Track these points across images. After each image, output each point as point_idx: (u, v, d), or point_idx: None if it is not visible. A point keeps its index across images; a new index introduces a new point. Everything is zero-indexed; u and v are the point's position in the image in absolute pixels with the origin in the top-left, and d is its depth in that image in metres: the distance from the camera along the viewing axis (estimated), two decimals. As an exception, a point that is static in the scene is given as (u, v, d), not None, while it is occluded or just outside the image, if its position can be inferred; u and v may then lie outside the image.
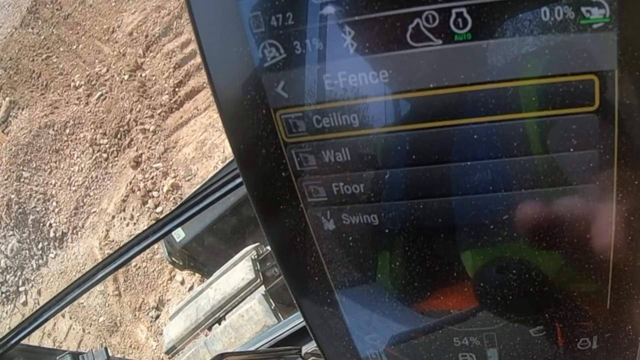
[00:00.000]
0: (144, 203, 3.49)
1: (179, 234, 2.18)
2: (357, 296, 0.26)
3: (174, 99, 3.73)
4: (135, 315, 3.25)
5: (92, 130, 3.94)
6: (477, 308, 0.25)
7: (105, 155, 3.83)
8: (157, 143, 3.66)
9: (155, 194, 3.50)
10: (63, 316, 3.45)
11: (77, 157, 3.95)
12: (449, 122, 0.20)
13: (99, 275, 0.72)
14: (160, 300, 3.19)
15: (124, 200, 3.58)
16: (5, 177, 3.99)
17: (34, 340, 3.13)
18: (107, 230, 3.59)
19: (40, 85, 4.40)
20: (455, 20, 0.18)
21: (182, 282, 3.15)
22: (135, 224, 3.48)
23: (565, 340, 0.25)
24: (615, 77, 0.18)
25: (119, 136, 3.82)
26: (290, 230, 0.25)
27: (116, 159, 3.79)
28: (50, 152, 4.06)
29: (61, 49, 4.45)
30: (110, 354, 0.84)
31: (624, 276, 0.23)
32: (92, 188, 3.81)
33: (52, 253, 3.76)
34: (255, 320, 1.73)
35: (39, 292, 3.67)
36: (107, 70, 4.11)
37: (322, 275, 0.26)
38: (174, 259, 2.27)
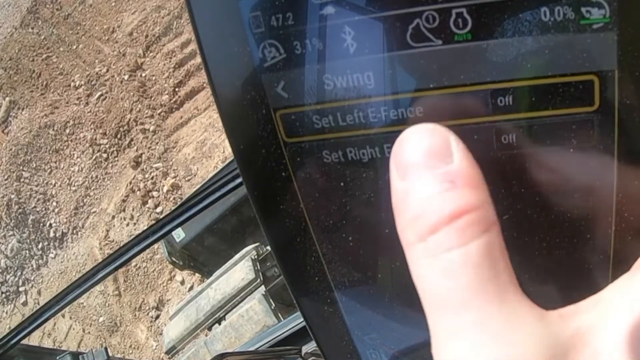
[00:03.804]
0: (144, 203, 3.49)
1: (179, 234, 2.18)
2: (357, 296, 0.26)
3: (174, 99, 3.73)
4: (135, 315, 3.25)
5: (92, 130, 3.94)
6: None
7: (105, 155, 3.83)
8: (157, 143, 3.66)
9: (155, 194, 3.50)
10: (63, 316, 3.45)
11: (77, 157, 3.95)
12: (448, 122, 0.20)
13: (99, 275, 0.72)
14: (160, 300, 3.20)
15: (124, 200, 3.58)
16: (5, 177, 4.00)
17: (34, 340, 3.13)
18: (107, 230, 3.59)
19: (40, 85, 4.40)
20: (455, 21, 0.18)
21: (182, 282, 3.15)
22: (135, 224, 3.48)
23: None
24: (615, 77, 0.18)
25: (119, 136, 3.82)
26: (290, 230, 0.25)
27: (116, 159, 3.79)
28: (50, 152, 4.06)
29: (61, 49, 4.45)
30: (110, 354, 0.84)
31: None
32: (92, 188, 3.81)
33: (52, 253, 3.76)
34: (255, 320, 1.73)
35: (39, 292, 3.67)
36: (107, 70, 4.11)
37: (322, 275, 0.26)
38: (174, 259, 2.27)
